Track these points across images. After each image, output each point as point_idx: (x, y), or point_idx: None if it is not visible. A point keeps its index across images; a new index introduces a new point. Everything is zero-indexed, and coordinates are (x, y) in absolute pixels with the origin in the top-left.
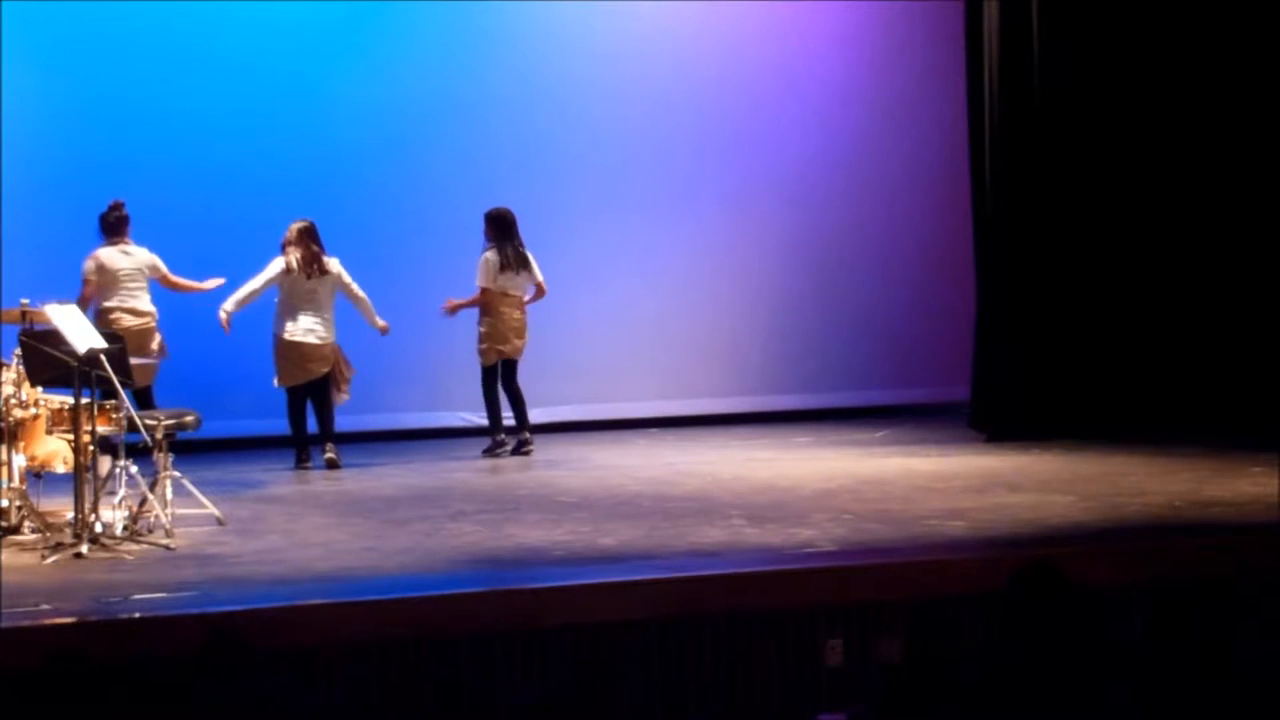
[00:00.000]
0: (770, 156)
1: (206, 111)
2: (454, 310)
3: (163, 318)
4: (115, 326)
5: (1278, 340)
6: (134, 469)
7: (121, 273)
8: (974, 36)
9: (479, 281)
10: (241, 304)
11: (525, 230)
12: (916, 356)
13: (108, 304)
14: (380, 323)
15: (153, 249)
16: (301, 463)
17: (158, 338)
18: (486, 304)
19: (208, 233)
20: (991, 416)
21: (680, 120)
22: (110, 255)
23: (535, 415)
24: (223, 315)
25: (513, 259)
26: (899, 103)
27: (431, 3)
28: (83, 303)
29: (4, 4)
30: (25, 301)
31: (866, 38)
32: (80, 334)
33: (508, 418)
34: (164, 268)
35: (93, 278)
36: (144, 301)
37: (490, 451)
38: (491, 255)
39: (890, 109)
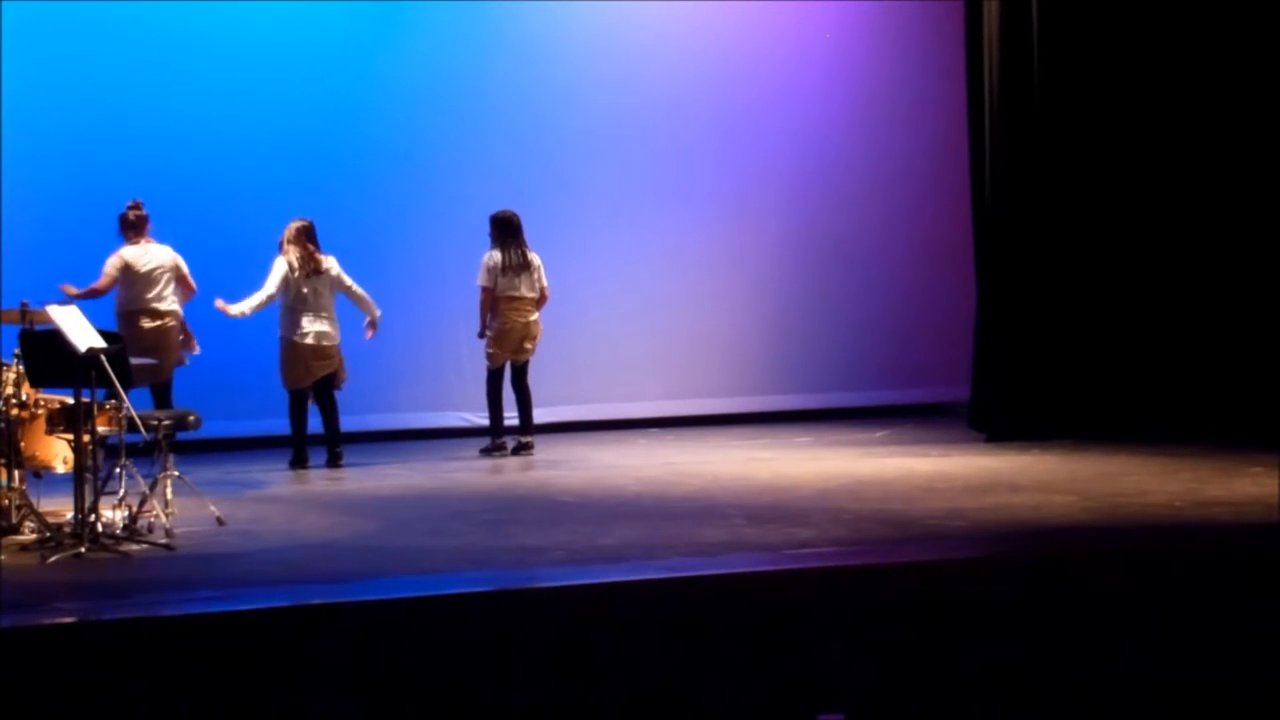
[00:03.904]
0: (770, 157)
1: (208, 111)
2: (484, 331)
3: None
4: (138, 329)
5: (1277, 341)
6: (134, 469)
7: (144, 274)
8: (974, 36)
9: (478, 280)
10: (253, 310)
11: (527, 231)
12: (916, 356)
13: (131, 308)
14: (376, 312)
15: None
16: (300, 463)
17: (179, 336)
18: (494, 307)
19: (208, 233)
20: (991, 416)
21: (680, 121)
22: (135, 255)
23: (536, 415)
24: (225, 308)
25: (514, 261)
26: (899, 103)
27: (433, 3)
28: (94, 293)
29: (4, 4)
30: (25, 302)
31: (866, 38)
32: (80, 334)
33: (511, 418)
34: (184, 267)
35: (114, 273)
36: (166, 302)
37: (488, 451)
38: (493, 256)
39: (890, 109)
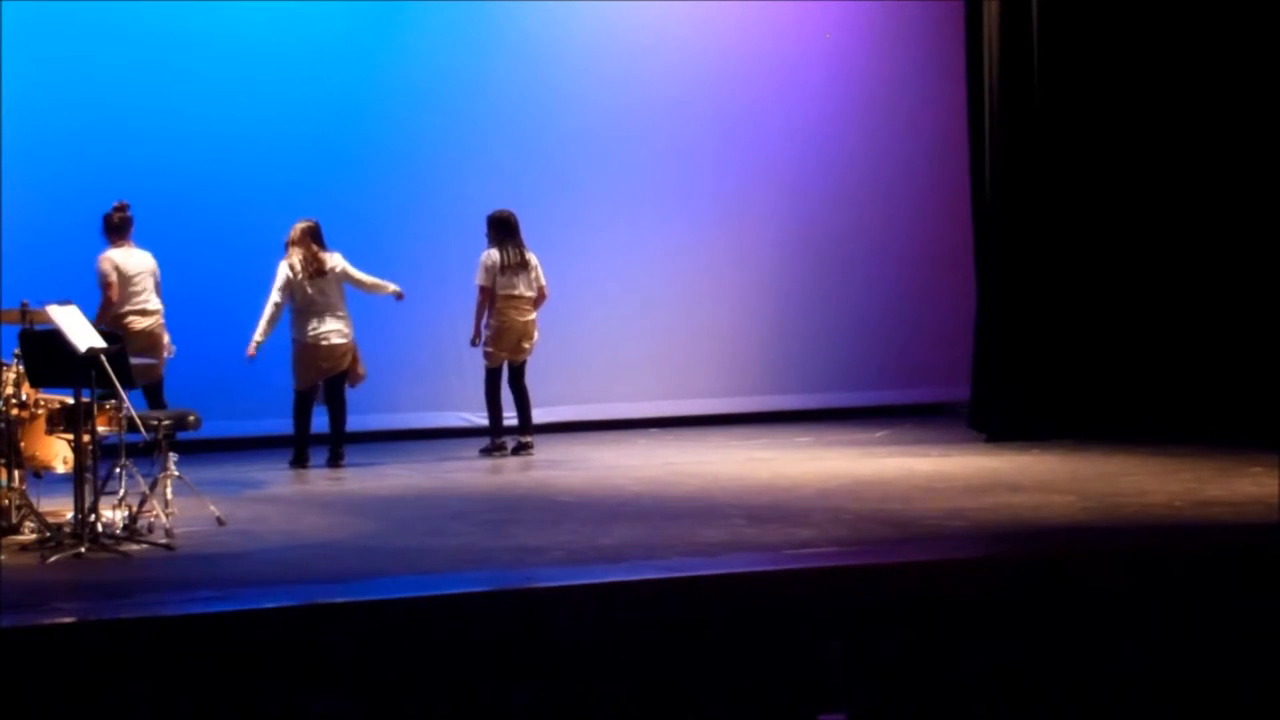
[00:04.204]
0: (770, 157)
1: (208, 112)
2: (477, 339)
3: (167, 318)
4: (129, 329)
5: (1277, 340)
6: (134, 469)
7: (131, 277)
8: (974, 36)
9: (477, 279)
10: (269, 328)
11: (526, 231)
12: (916, 356)
13: (119, 310)
14: (393, 288)
15: (154, 249)
16: (300, 463)
17: (167, 335)
18: (493, 306)
19: (208, 233)
20: (991, 416)
21: (681, 121)
22: (122, 257)
23: (535, 415)
24: (253, 347)
25: (513, 260)
26: (899, 102)
27: (433, 3)
28: (108, 305)
29: (4, 4)
30: (25, 302)
31: (866, 38)
32: (80, 334)
33: (510, 418)
34: (158, 274)
35: (114, 279)
36: (153, 301)
37: (488, 451)
38: (491, 255)
39: (890, 109)
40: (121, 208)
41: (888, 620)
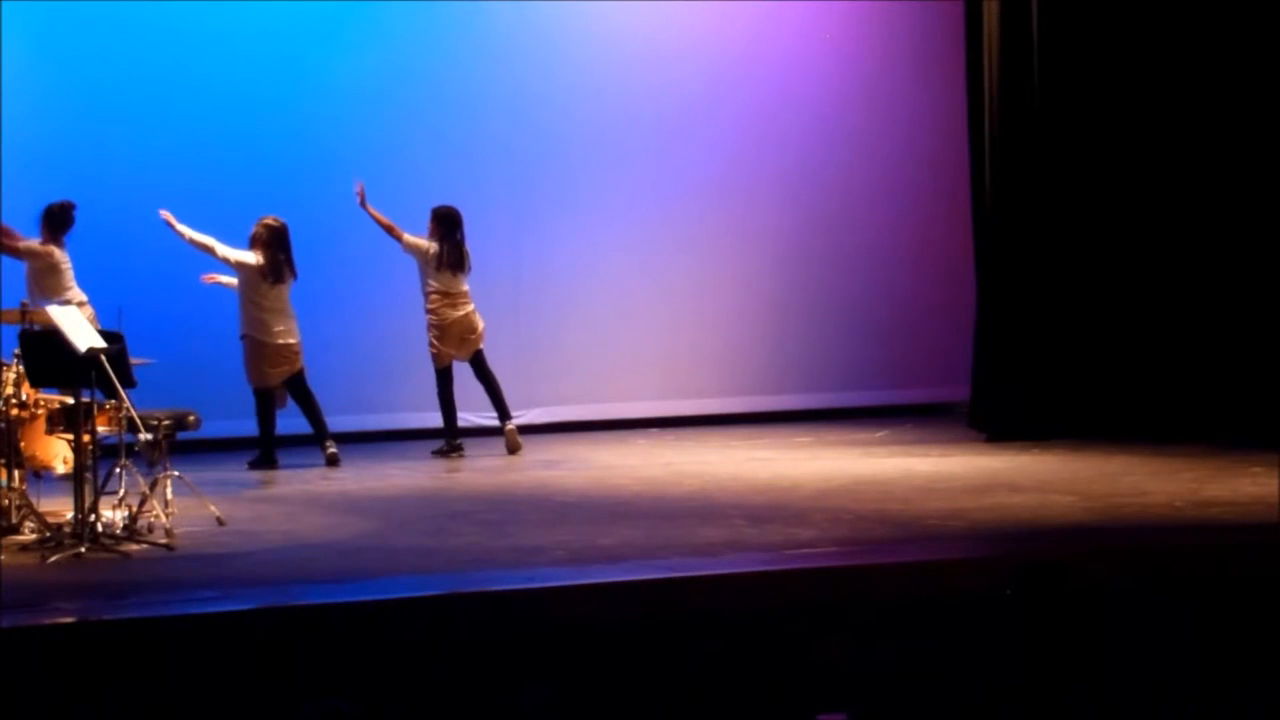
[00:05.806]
0: (770, 156)
1: (206, 112)
2: (362, 193)
3: (167, 318)
4: None
5: (1277, 340)
6: (134, 469)
7: (68, 270)
8: (974, 36)
9: (413, 239)
10: (194, 244)
11: (524, 229)
12: (916, 356)
13: (63, 300)
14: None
15: (151, 250)
16: (269, 463)
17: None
18: (429, 305)
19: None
20: (991, 416)
21: (680, 121)
22: (64, 256)
23: (535, 415)
24: (171, 220)
25: (450, 260)
26: (899, 102)
27: (423, 1)
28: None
29: (4, 3)
30: (25, 301)
31: (866, 38)
32: (80, 334)
33: (491, 418)
34: None
35: (41, 252)
36: (82, 294)
37: (442, 453)
38: (433, 246)
39: (890, 109)
40: (68, 206)
41: (888, 620)
